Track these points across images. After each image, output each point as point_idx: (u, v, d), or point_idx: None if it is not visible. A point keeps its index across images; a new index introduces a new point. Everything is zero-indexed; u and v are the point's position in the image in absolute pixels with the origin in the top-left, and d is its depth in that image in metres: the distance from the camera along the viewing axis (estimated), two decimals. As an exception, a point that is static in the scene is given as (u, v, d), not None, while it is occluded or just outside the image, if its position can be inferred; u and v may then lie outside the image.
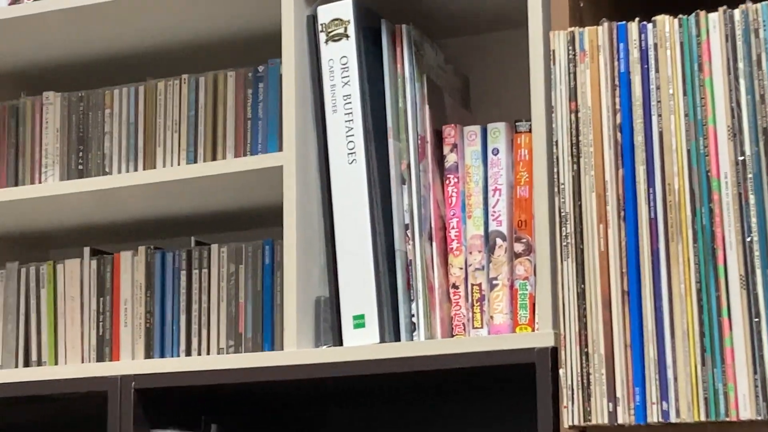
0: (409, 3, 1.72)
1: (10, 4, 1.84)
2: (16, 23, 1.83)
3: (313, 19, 1.64)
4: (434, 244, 1.61)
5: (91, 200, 1.81)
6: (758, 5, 1.34)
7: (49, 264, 1.89)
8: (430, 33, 1.72)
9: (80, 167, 1.90)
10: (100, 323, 1.85)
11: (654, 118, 1.36)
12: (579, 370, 1.36)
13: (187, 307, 1.81)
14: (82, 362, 1.84)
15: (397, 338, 1.58)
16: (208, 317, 1.79)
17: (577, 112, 1.39)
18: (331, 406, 1.84)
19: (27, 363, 1.88)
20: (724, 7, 1.35)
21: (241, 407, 1.74)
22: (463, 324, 1.58)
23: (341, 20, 1.62)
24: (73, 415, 1.84)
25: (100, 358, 1.83)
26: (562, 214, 1.39)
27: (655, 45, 1.37)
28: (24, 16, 1.82)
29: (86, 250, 1.87)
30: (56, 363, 1.86)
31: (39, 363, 1.87)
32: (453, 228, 1.60)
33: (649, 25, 1.37)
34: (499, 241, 1.57)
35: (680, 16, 1.36)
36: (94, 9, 1.78)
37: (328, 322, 1.61)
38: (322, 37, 1.63)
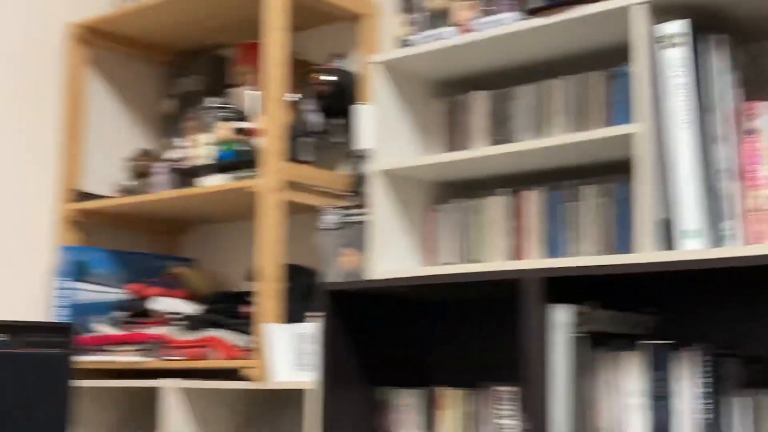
0: (721, 19, 1.69)
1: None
2: (462, 47, 1.87)
3: (653, 34, 1.65)
4: (741, 182, 1.60)
5: (505, 159, 1.83)
6: None
7: (479, 200, 1.93)
8: (738, 39, 1.69)
9: (497, 138, 1.94)
10: (514, 237, 1.89)
11: None
12: None
13: (571, 226, 1.83)
14: (504, 261, 1.86)
15: (718, 246, 1.58)
16: (584, 232, 1.81)
17: None
18: (668, 295, 1.78)
19: (466, 261, 1.92)
20: None
21: (604, 290, 1.72)
22: (764, 236, 1.56)
23: (674, 34, 1.62)
24: (496, 296, 1.86)
25: (515, 258, 1.87)
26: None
27: None
28: (465, 44, 1.86)
29: (503, 191, 1.90)
30: (486, 261, 1.89)
31: (475, 261, 1.91)
32: (754, 171, 1.59)
33: None
34: (790, 179, 1.55)
35: None
36: (508, 37, 1.82)
37: (668, 235, 1.61)
38: (660, 45, 1.63)
